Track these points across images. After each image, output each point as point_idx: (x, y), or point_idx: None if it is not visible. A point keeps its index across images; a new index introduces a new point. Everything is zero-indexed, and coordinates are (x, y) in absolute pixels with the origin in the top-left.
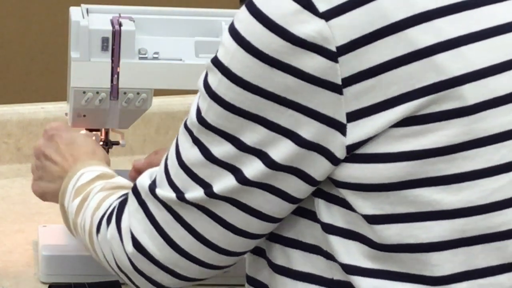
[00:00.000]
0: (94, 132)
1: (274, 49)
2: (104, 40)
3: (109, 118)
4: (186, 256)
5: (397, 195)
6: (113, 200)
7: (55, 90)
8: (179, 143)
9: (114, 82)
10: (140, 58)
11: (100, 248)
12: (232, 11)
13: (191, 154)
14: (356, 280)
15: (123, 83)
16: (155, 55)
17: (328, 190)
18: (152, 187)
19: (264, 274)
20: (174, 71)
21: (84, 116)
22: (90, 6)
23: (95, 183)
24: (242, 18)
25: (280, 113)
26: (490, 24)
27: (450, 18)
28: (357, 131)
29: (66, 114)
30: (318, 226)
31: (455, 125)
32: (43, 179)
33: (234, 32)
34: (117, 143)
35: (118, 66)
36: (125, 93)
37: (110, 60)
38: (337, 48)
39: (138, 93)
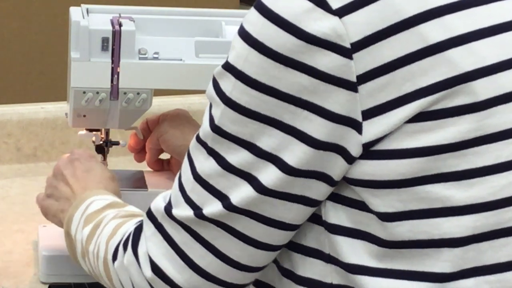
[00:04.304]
0: (94, 133)
1: (289, 48)
2: (104, 40)
3: (109, 118)
4: (207, 277)
5: (408, 192)
6: (129, 227)
7: (55, 90)
8: (192, 157)
9: (114, 82)
10: (140, 58)
11: (117, 275)
12: (232, 11)
13: (206, 165)
14: (362, 280)
15: (123, 83)
16: (155, 55)
17: (335, 191)
18: (168, 208)
19: (273, 278)
20: (174, 71)
21: (84, 116)
22: (90, 6)
23: (106, 211)
24: (252, 20)
25: (295, 115)
26: (500, 20)
27: (460, 14)
28: (373, 128)
29: (66, 114)
30: (322, 228)
31: (467, 121)
32: (51, 197)
33: (245, 35)
34: (117, 143)
35: (118, 66)
36: (125, 93)
37: (110, 60)
38: (351, 44)
39: (138, 93)
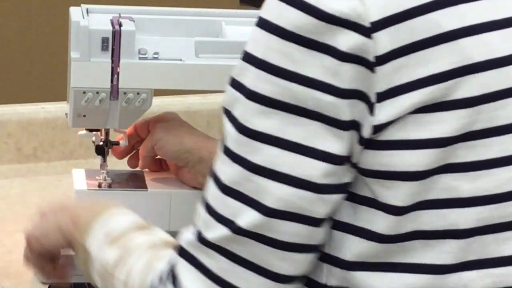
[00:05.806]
0: (94, 133)
1: (309, 30)
2: (104, 40)
3: (109, 118)
4: None
5: (421, 183)
6: (163, 265)
7: (55, 90)
8: (216, 171)
9: (114, 82)
10: (140, 58)
11: None
12: (232, 11)
13: (232, 173)
14: (360, 276)
15: (123, 83)
16: (155, 55)
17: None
18: (200, 235)
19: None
20: (174, 71)
21: (84, 116)
22: (90, 6)
23: (131, 234)
24: (270, 7)
25: (319, 101)
26: None
27: (473, 4)
28: (384, 111)
29: (66, 114)
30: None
31: (476, 112)
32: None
33: (263, 23)
34: (117, 143)
35: (118, 66)
36: (125, 93)
37: (110, 60)
38: (371, 23)
39: (138, 93)
